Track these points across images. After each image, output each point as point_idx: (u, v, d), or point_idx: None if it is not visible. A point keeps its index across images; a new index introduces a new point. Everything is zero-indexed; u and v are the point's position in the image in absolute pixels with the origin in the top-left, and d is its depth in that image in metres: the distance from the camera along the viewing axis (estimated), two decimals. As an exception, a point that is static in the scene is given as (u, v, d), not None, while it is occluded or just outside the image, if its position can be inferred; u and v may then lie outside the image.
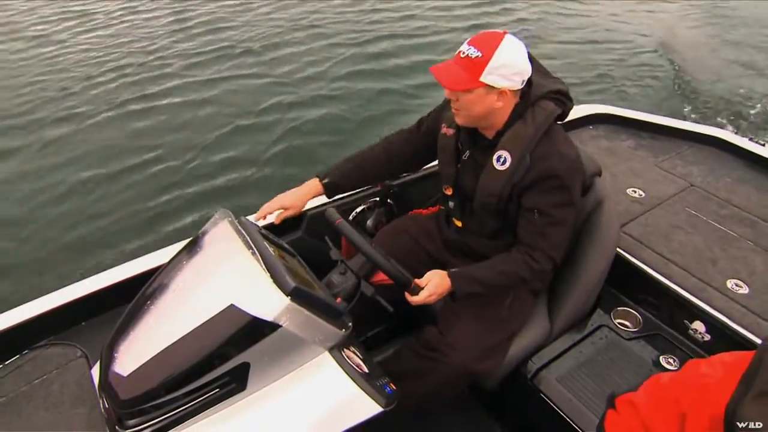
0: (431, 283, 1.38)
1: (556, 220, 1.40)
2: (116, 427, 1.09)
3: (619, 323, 1.73)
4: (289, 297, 1.06)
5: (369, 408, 1.10)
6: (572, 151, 1.42)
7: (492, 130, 1.42)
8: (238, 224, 1.25)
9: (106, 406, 1.14)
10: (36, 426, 1.30)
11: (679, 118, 2.63)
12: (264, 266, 1.11)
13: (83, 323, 1.59)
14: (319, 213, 1.78)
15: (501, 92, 1.33)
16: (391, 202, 1.90)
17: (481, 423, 1.77)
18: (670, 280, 1.70)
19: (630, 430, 1.02)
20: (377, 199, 1.88)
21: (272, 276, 1.09)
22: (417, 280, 1.38)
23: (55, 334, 1.54)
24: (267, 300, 1.06)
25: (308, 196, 1.66)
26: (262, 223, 1.64)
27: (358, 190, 1.88)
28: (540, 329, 1.62)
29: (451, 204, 1.58)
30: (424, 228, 1.70)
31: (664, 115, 2.59)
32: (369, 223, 1.86)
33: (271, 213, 1.64)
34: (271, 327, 1.05)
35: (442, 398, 1.52)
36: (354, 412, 1.10)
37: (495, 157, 1.41)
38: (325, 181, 1.65)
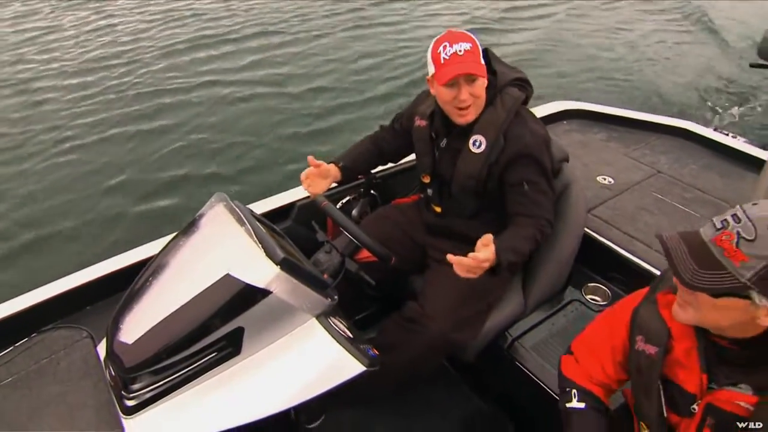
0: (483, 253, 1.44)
1: (544, 188, 1.54)
2: (122, 393, 1.20)
3: (590, 298, 1.86)
4: (279, 266, 1.17)
5: (353, 367, 1.21)
6: (542, 128, 1.57)
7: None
8: (233, 206, 1.37)
9: (112, 374, 1.25)
10: (46, 399, 1.40)
11: (649, 113, 2.77)
12: (256, 240, 1.22)
13: (88, 308, 1.69)
14: (308, 203, 1.90)
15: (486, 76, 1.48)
16: (374, 193, 2.02)
17: (462, 394, 1.88)
18: (636, 256, 1.82)
19: (578, 359, 1.23)
20: (362, 190, 2.00)
21: (264, 248, 1.20)
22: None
23: (62, 318, 1.64)
24: (259, 269, 1.17)
25: (330, 178, 1.74)
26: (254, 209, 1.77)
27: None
28: (515, 304, 1.74)
29: (429, 191, 1.70)
30: (405, 215, 1.83)
31: (635, 110, 2.74)
32: (354, 212, 1.98)
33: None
34: (263, 293, 1.16)
35: (423, 368, 1.63)
36: (340, 372, 1.21)
37: (471, 141, 1.54)
38: (341, 164, 1.76)
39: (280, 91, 5.26)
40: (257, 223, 1.32)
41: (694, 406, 1.02)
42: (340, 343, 1.22)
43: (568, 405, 1.22)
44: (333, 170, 1.74)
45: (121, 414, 1.18)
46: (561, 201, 1.76)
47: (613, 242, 1.89)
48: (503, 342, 1.69)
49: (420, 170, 1.71)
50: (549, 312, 1.79)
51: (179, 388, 1.17)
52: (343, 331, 1.28)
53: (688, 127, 2.56)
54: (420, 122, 1.67)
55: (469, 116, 1.52)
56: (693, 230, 0.92)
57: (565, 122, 2.66)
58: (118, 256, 1.74)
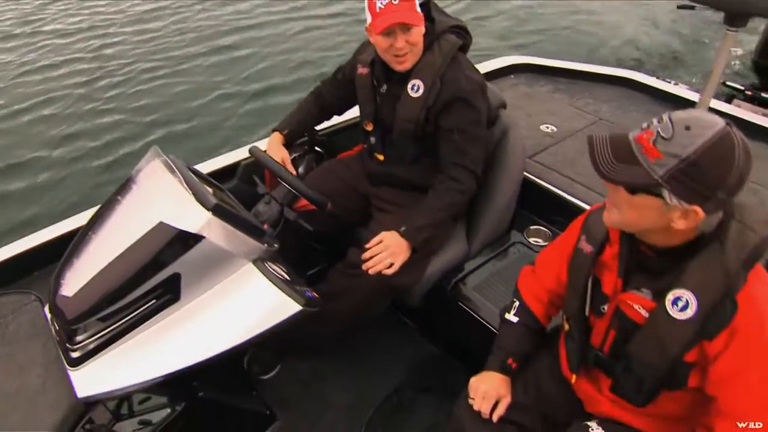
0: (389, 249, 1.54)
1: (473, 137, 1.59)
2: (66, 345, 1.22)
3: (532, 240, 1.93)
4: (211, 212, 1.20)
5: (289, 307, 1.25)
6: (477, 75, 1.62)
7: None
8: (167, 159, 1.38)
9: (56, 328, 1.27)
10: None
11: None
12: (188, 189, 1.25)
13: (36, 273, 1.70)
14: (252, 161, 1.92)
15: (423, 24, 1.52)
16: (319, 149, 2.05)
17: (412, 338, 1.95)
18: (576, 198, 1.90)
19: (535, 269, 1.35)
20: (306, 147, 2.03)
21: (195, 195, 1.23)
22: (370, 243, 1.56)
23: (9, 284, 1.65)
24: (191, 215, 1.20)
25: (280, 146, 1.81)
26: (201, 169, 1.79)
27: None
28: (458, 249, 1.80)
29: (372, 139, 1.74)
30: (349, 167, 1.87)
31: (581, 62, 2.80)
32: (301, 169, 2.00)
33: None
34: (196, 238, 1.19)
35: (369, 312, 1.69)
36: (277, 312, 1.25)
37: (409, 86, 1.59)
38: (285, 131, 1.82)
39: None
40: (190, 173, 1.34)
41: (605, 306, 1.09)
42: (276, 285, 1.26)
43: (505, 315, 1.33)
44: (279, 138, 1.81)
45: (67, 366, 1.21)
46: (499, 148, 1.81)
47: (553, 185, 1.96)
48: (447, 284, 1.75)
49: (362, 118, 1.75)
50: (491, 254, 1.85)
51: (122, 336, 1.20)
52: (281, 275, 1.32)
53: (630, 77, 2.63)
54: (362, 70, 1.70)
55: (407, 63, 1.56)
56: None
57: (512, 76, 2.70)
58: (66, 219, 1.75)
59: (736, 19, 1.89)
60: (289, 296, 1.26)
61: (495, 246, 1.89)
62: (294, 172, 1.68)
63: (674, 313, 0.94)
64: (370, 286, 1.60)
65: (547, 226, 1.99)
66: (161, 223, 1.20)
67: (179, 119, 4.53)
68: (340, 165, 1.89)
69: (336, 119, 2.08)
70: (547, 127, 2.29)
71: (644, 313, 1.01)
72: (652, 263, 1.00)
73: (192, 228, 1.18)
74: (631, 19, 6.42)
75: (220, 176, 1.88)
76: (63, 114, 4.59)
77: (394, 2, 1.46)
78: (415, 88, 1.58)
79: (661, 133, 0.85)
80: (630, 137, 0.90)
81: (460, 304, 1.72)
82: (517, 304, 1.33)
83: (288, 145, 1.87)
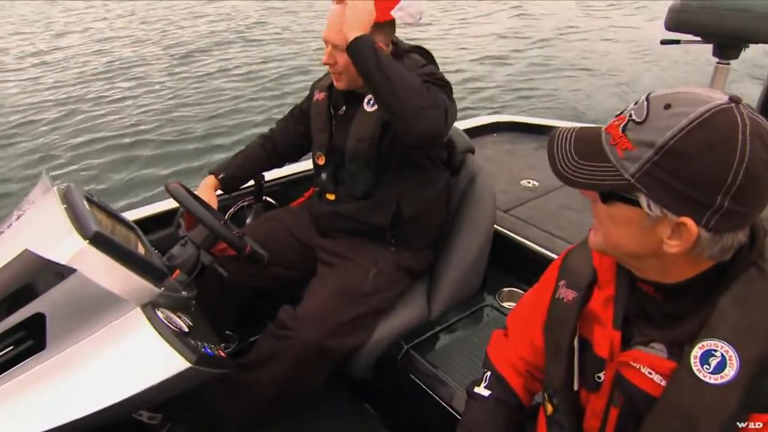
0: None
1: (438, 84, 1.35)
2: None
3: (506, 304, 1.68)
4: (87, 240, 1.00)
5: (174, 363, 1.02)
6: None
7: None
8: (61, 188, 1.21)
9: None
10: None
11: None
12: (69, 215, 1.06)
13: None
14: None
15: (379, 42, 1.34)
16: (270, 200, 1.87)
17: (360, 414, 1.66)
18: (555, 254, 1.67)
19: (508, 332, 1.07)
20: (253, 197, 1.85)
21: (74, 222, 1.04)
22: None
23: None
24: (63, 243, 1.00)
25: (211, 190, 1.62)
26: (134, 216, 1.61)
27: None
28: (416, 310, 1.57)
29: (324, 176, 1.56)
30: (295, 216, 1.68)
31: (567, 120, 2.66)
32: (248, 220, 1.82)
33: None
34: (66, 271, 0.98)
35: (303, 383, 1.42)
36: (158, 368, 1.02)
37: (365, 101, 1.44)
38: (221, 176, 1.64)
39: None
40: (84, 204, 1.16)
41: (601, 374, 0.80)
42: (161, 335, 1.04)
43: (474, 389, 1.02)
44: (211, 182, 1.62)
45: None
46: (466, 196, 1.63)
47: (530, 240, 1.73)
48: (397, 351, 1.49)
49: (315, 151, 1.58)
50: (455, 318, 1.60)
51: (-29, 391, 0.98)
52: (176, 325, 1.10)
53: None
54: (318, 95, 1.57)
55: (341, 82, 1.43)
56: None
57: (495, 135, 2.56)
58: None
59: (727, 50, 1.71)
60: (177, 350, 1.03)
61: (461, 309, 1.64)
62: (221, 217, 1.46)
63: (705, 375, 0.65)
64: (301, 350, 1.35)
65: (523, 288, 1.74)
66: (27, 251, 1.00)
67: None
68: (286, 213, 1.70)
69: (292, 168, 1.93)
70: (528, 182, 2.10)
71: (659, 380, 0.71)
72: (656, 306, 0.74)
73: (61, 258, 0.98)
74: (617, 66, 6.38)
75: (157, 223, 1.69)
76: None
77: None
78: (371, 103, 1.43)
79: (633, 117, 0.63)
80: (602, 129, 0.68)
81: (412, 376, 1.45)
82: (488, 374, 1.02)
83: (227, 192, 1.69)
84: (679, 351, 0.69)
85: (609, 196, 0.66)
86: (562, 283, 0.88)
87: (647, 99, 0.63)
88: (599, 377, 0.80)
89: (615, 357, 0.77)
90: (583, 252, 0.85)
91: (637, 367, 0.74)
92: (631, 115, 0.63)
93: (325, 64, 1.41)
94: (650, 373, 0.72)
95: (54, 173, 4.13)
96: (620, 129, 0.63)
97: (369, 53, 1.24)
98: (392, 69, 1.24)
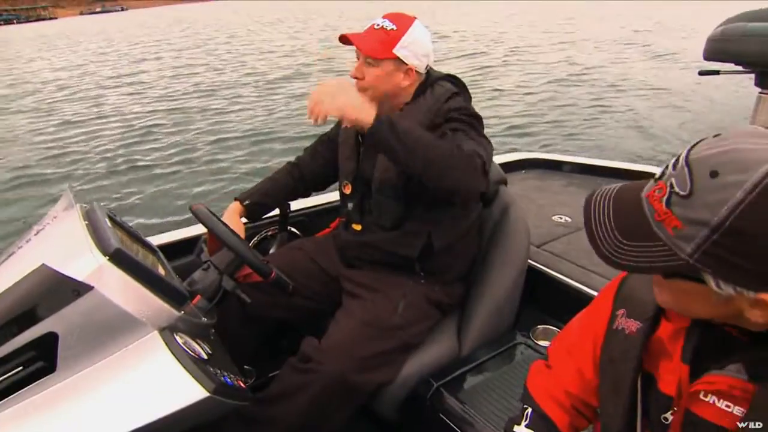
0: (329, 89, 1.21)
1: (472, 135, 1.27)
2: None
3: (540, 342, 1.57)
4: (108, 257, 0.95)
5: (192, 392, 0.95)
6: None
7: (394, 111, 1.39)
8: (83, 205, 1.17)
9: None
10: None
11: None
12: (89, 231, 1.02)
13: None
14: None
15: (408, 70, 1.36)
16: (295, 230, 1.82)
17: None
18: (593, 289, 1.57)
19: (551, 364, 0.97)
20: (277, 227, 1.80)
21: (94, 238, 0.99)
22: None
23: None
24: (81, 259, 0.95)
25: (237, 216, 1.57)
26: (156, 242, 1.57)
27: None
28: (446, 347, 1.47)
29: (350, 205, 1.51)
30: (320, 246, 1.62)
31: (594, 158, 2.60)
32: (272, 250, 1.76)
33: None
34: (82, 288, 0.93)
35: (327, 421, 1.32)
36: (175, 396, 0.95)
37: None
38: (246, 202, 1.58)
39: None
40: (107, 222, 1.11)
41: (668, 414, 0.71)
42: (180, 362, 0.97)
43: (515, 429, 0.92)
44: (237, 208, 1.56)
45: None
46: (499, 228, 1.56)
47: (566, 276, 1.64)
48: (426, 390, 1.39)
49: (342, 180, 1.52)
50: (487, 356, 1.50)
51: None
52: (194, 351, 1.03)
53: (653, 171, 2.39)
54: (347, 123, 1.53)
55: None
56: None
57: (523, 171, 2.51)
58: None
59: None
60: (195, 378, 0.96)
61: (493, 346, 1.53)
62: (245, 241, 1.40)
63: None
64: (325, 383, 1.26)
65: (558, 326, 1.64)
66: (43, 266, 0.95)
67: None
68: (310, 243, 1.65)
69: (318, 198, 1.88)
70: (561, 218, 2.02)
71: (739, 412, 0.62)
72: (742, 347, 0.65)
73: (78, 274, 0.93)
74: (654, 104, 6.32)
75: (175, 250, 1.65)
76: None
77: (375, 27, 1.34)
78: None
79: (676, 188, 0.55)
80: (642, 195, 0.60)
81: (442, 416, 1.34)
82: (529, 411, 0.92)
83: (252, 219, 1.63)
84: (761, 372, 0.60)
85: (669, 274, 0.60)
86: (621, 312, 0.79)
87: (687, 163, 0.55)
88: (666, 418, 0.71)
89: (683, 394, 0.68)
90: (645, 278, 0.77)
91: (711, 401, 0.65)
92: (672, 186, 0.56)
93: (353, 77, 1.37)
94: (728, 407, 0.63)
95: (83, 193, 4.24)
96: (663, 204, 0.56)
97: (386, 132, 1.17)
98: (414, 140, 1.17)
